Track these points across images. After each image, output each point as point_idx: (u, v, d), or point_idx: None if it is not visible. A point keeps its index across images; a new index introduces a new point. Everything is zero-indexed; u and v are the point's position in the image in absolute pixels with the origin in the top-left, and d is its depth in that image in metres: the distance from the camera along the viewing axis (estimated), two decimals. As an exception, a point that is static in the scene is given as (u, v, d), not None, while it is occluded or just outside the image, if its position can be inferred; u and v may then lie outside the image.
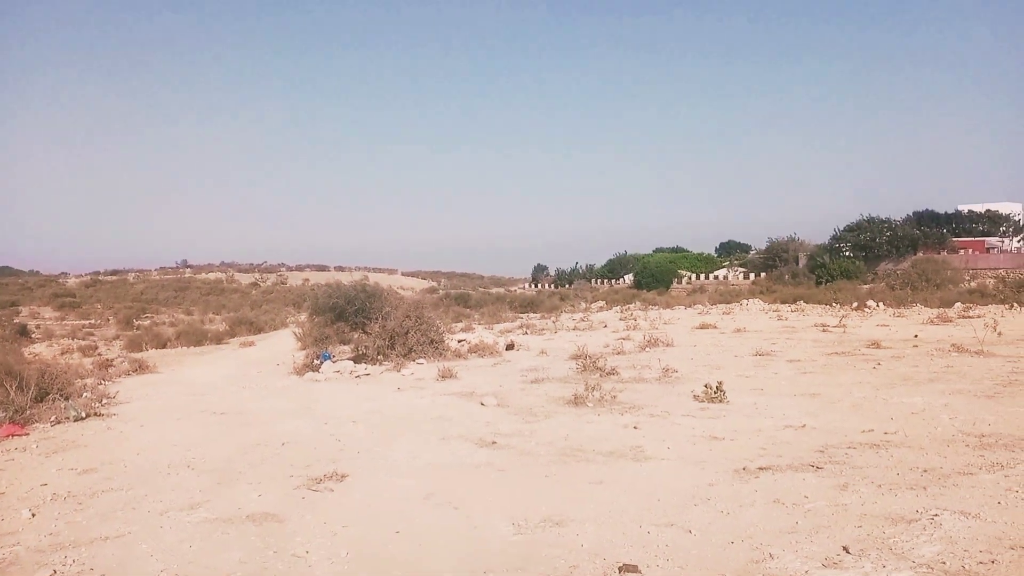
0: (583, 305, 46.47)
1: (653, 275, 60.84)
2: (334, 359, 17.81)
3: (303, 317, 30.37)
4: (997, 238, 58.79)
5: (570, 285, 68.54)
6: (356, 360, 17.77)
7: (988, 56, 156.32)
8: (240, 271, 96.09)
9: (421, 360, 17.39)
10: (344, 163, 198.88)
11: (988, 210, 61.11)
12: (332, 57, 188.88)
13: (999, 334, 17.53)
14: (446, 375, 14.76)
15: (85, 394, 13.19)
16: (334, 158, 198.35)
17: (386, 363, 17.12)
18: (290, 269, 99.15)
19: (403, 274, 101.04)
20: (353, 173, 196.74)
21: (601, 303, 47.31)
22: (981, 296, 32.85)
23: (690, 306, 39.69)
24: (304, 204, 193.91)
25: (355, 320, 19.62)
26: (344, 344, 20.20)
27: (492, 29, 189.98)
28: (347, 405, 12.23)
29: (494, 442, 8.98)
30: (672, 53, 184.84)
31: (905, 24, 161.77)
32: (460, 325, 30.41)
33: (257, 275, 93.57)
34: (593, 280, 70.12)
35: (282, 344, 24.70)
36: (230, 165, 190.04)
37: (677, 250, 75.46)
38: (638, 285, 60.48)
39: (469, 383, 14.13)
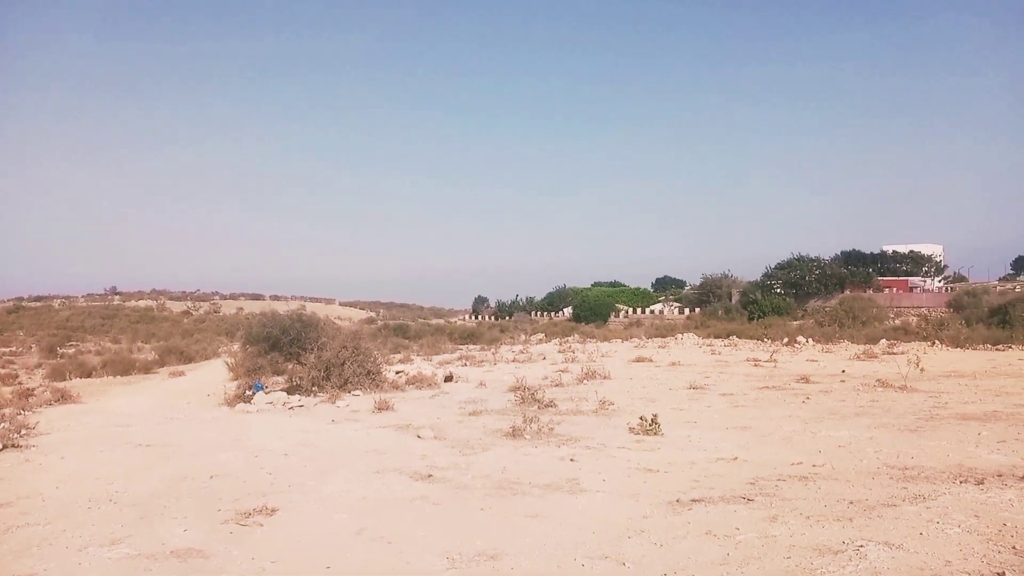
0: (523, 337, 46.57)
1: (592, 308, 61.54)
2: (267, 390, 17.44)
3: (236, 347, 29.69)
4: (920, 278, 61.42)
5: (510, 317, 68.74)
6: (290, 391, 17.43)
7: (911, 100, 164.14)
8: (172, 299, 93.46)
9: (357, 392, 17.15)
10: (282, 191, 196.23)
11: (912, 251, 63.90)
12: (262, 83, 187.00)
13: (921, 370, 18.17)
14: (383, 407, 14.58)
15: (2, 424, 12.59)
16: (271, 186, 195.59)
17: (321, 394, 16.83)
18: (224, 298, 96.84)
19: (341, 304, 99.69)
20: (291, 201, 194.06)
21: (541, 335, 47.50)
22: (905, 333, 34.05)
23: (627, 339, 40.15)
24: (240, 232, 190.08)
25: (290, 350, 19.25)
26: (278, 375, 19.81)
27: (426, 59, 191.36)
28: (279, 437, 11.96)
29: (430, 475, 8.89)
30: (608, 88, 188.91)
31: (831, 65, 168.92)
32: (398, 356, 30.13)
33: (189, 303, 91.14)
34: (533, 312, 70.49)
35: (213, 374, 24.07)
36: (162, 190, 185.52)
37: (615, 284, 76.56)
38: (577, 318, 61.03)
39: (406, 415, 13.98)
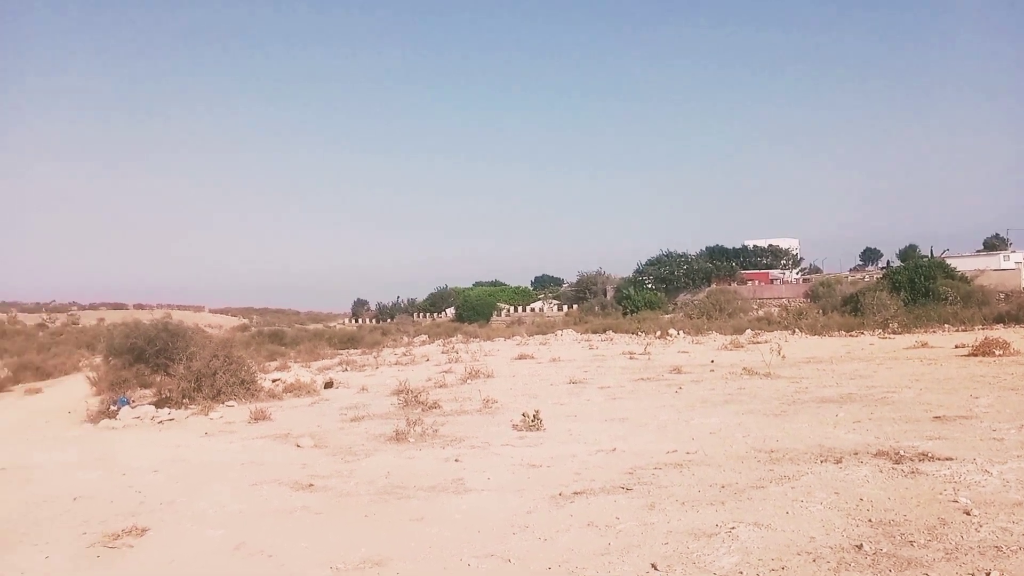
0: (405, 339, 46.20)
1: (474, 308, 61.81)
2: (133, 404, 16.53)
3: (98, 360, 27.94)
4: (779, 270, 65.20)
5: (392, 319, 68.03)
6: (158, 405, 16.59)
7: (766, 98, 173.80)
8: (24, 311, 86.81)
9: (232, 402, 16.52)
10: (141, 191, 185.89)
11: (771, 245, 67.79)
12: (114, 74, 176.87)
13: (783, 357, 19.30)
14: (259, 417, 14.11)
15: None
16: (128, 184, 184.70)
17: (192, 407, 16.10)
18: (83, 308, 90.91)
19: (211, 311, 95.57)
20: (152, 202, 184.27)
21: (424, 337, 47.28)
22: (768, 323, 36.11)
23: (509, 338, 40.58)
24: (98, 236, 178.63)
25: (157, 362, 18.35)
26: (145, 388, 18.85)
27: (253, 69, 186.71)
28: (148, 453, 11.36)
29: (311, 484, 8.68)
30: (482, 87, 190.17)
31: (691, 62, 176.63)
32: (275, 364, 29.20)
33: (45, 315, 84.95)
34: (415, 314, 70.03)
35: (74, 390, 22.58)
36: (10, 190, 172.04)
37: (496, 284, 77.12)
38: (460, 318, 61.14)
39: (284, 424, 13.60)
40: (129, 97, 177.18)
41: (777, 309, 42.46)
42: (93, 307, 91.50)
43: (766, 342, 25.63)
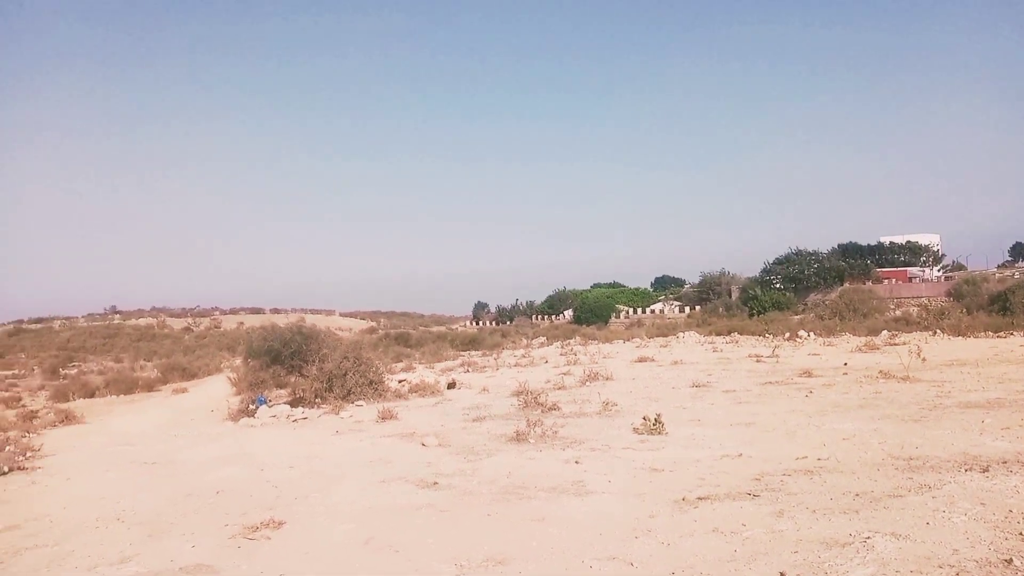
0: (524, 341, 46.58)
1: (592, 310, 61.63)
2: (270, 403, 17.45)
3: (238, 362, 29.67)
4: (918, 268, 61.47)
5: (511, 322, 68.78)
6: (293, 404, 17.44)
7: (904, 91, 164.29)
8: (172, 316, 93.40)
9: (360, 402, 17.16)
10: (278, 202, 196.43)
11: (909, 241, 64.00)
12: (262, 90, 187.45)
13: (923, 360, 18.17)
14: (386, 416, 14.59)
15: (8, 447, 12.60)
16: (267, 199, 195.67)
17: (324, 406, 16.83)
18: (224, 313, 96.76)
19: (341, 315, 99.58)
20: (288, 212, 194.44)
21: (542, 339, 47.50)
22: (906, 324, 34.06)
23: (628, 340, 40.15)
24: (238, 245, 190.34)
25: (292, 363, 19.26)
26: (281, 388, 19.81)
27: (427, 62, 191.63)
28: (284, 450, 11.97)
29: (435, 483, 8.89)
30: (602, 88, 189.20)
31: (823, 59, 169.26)
32: (400, 365, 30.12)
33: (190, 320, 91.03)
34: (533, 316, 70.53)
35: (216, 390, 24.06)
36: (158, 207, 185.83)
37: (615, 285, 76.66)
38: (578, 320, 61.10)
39: (410, 424, 13.99)
40: (266, 104, 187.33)
41: (916, 309, 39.94)
42: (234, 311, 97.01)
43: (904, 344, 24.22)
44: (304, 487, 9.11)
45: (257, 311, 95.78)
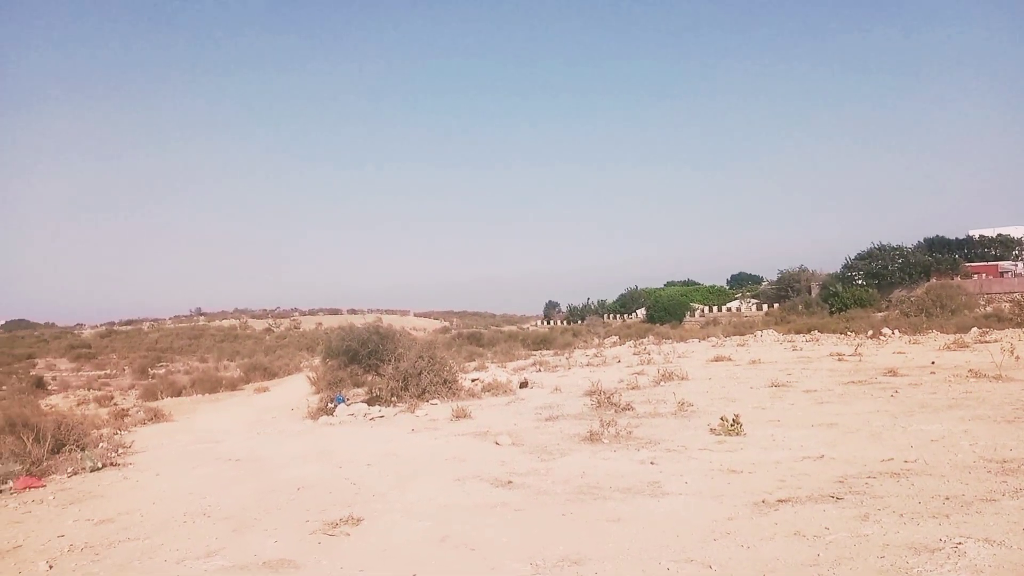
0: (596, 340, 46.35)
1: (665, 309, 60.84)
2: (348, 402, 17.81)
3: (317, 361, 30.42)
4: (1010, 262, 58.50)
5: (582, 321, 68.51)
6: (370, 402, 17.77)
7: (995, 79, 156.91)
8: (253, 317, 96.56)
9: (435, 400, 17.36)
10: (354, 205, 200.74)
11: (1000, 234, 60.98)
12: (328, 97, 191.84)
13: (1016, 358, 17.34)
14: (460, 415, 14.72)
15: (101, 444, 13.20)
16: (343, 201, 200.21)
17: (400, 404, 17.10)
18: (303, 313, 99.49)
19: (415, 315, 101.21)
20: (363, 215, 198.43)
21: (614, 338, 47.20)
22: (997, 320, 32.60)
23: (704, 339, 39.52)
24: (316, 247, 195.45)
25: (368, 362, 19.64)
26: (358, 387, 20.22)
27: (473, 69, 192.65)
28: (362, 448, 12.19)
29: (510, 481, 8.92)
30: (671, 81, 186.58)
31: (908, 51, 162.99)
32: (473, 364, 30.35)
33: (270, 320, 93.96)
34: (605, 315, 70.05)
35: (296, 389, 24.73)
36: (240, 211, 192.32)
37: (689, 283, 75.44)
38: (651, 319, 60.43)
39: (483, 422, 14.08)
40: (336, 109, 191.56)
41: (1008, 305, 38.21)
42: (312, 312, 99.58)
43: (996, 341, 23.15)
44: (381, 485, 9.26)
45: (335, 312, 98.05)
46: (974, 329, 29.65)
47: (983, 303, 41.65)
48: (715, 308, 62.96)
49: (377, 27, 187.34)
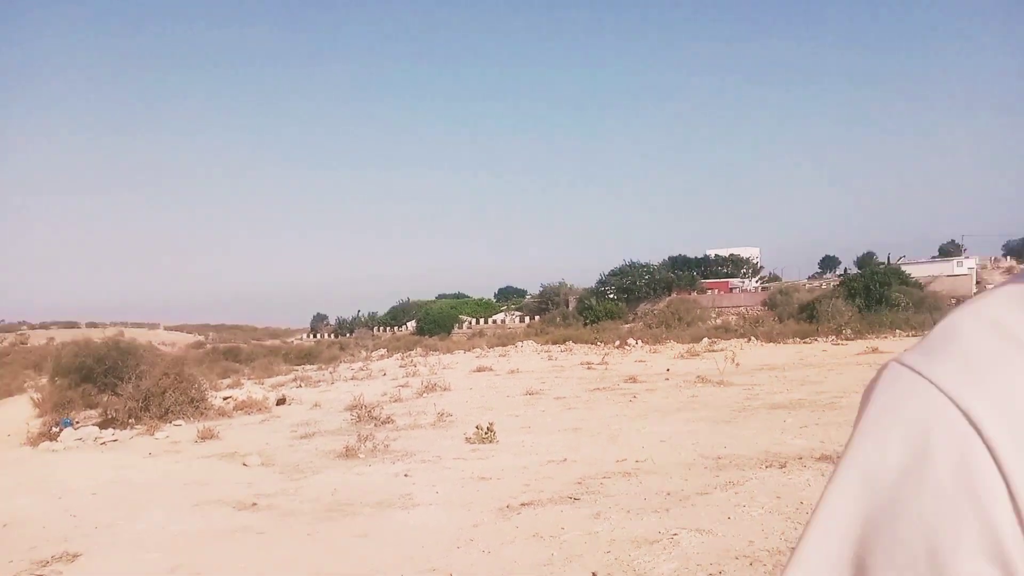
0: (364, 354, 45.74)
1: (435, 321, 61.54)
2: (76, 425, 16.03)
3: (44, 381, 27.16)
4: (739, 279, 65.98)
5: (351, 334, 67.36)
6: (103, 425, 16.12)
7: (743, 109, 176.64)
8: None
9: (179, 421, 16.12)
10: (96, 209, 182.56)
11: (732, 254, 68.65)
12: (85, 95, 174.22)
13: (737, 365, 19.48)
14: (206, 436, 13.78)
15: None
16: (83, 202, 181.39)
17: (138, 427, 15.68)
18: (33, 327, 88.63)
19: (166, 328, 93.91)
20: (108, 220, 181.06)
21: (383, 351, 46.88)
22: (725, 331, 36.44)
23: (469, 350, 40.40)
24: (51, 254, 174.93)
25: (105, 381, 17.85)
26: (92, 408, 18.29)
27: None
28: (88, 476, 10.98)
29: (254, 504, 8.48)
30: (446, 100, 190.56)
31: (643, 83, 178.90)
32: (227, 381, 28.62)
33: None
34: (375, 328, 69.41)
35: (16, 412, 21.85)
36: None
37: (459, 296, 76.89)
38: (420, 331, 60.76)
39: (232, 443, 13.30)
40: (113, 115, 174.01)
41: (735, 317, 42.89)
42: (44, 326, 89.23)
43: (722, 350, 25.86)
44: (107, 515, 8.40)
45: (72, 325, 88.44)
46: (705, 339, 32.93)
47: (715, 316, 46.42)
48: (482, 320, 64.69)
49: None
